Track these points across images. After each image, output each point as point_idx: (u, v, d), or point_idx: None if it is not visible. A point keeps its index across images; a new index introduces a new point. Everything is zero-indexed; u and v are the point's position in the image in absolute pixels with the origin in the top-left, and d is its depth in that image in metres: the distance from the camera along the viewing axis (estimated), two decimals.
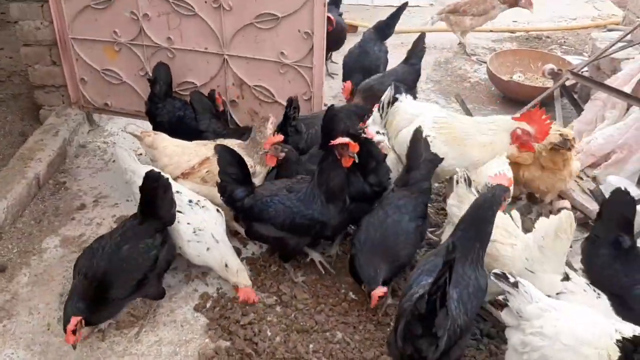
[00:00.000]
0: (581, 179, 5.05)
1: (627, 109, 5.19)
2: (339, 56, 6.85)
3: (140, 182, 3.65)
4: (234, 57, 4.86)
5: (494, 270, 2.96)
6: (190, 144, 4.37)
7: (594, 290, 3.19)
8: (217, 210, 3.96)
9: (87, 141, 5.72)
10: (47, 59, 5.39)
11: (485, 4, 7.60)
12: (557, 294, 3.15)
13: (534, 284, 3.11)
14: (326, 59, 6.65)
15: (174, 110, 4.82)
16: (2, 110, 6.06)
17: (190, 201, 3.88)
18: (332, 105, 4.36)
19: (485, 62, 7.24)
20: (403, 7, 6.45)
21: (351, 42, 6.62)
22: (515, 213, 3.72)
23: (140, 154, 4.93)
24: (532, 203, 4.77)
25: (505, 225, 3.50)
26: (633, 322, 2.86)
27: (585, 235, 4.27)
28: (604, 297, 3.17)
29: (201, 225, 3.79)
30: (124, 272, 3.45)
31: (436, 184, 4.84)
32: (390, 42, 6.43)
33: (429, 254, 3.31)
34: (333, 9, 6.83)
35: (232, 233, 4.34)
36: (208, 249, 3.76)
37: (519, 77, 7.01)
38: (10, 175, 4.71)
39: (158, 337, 3.65)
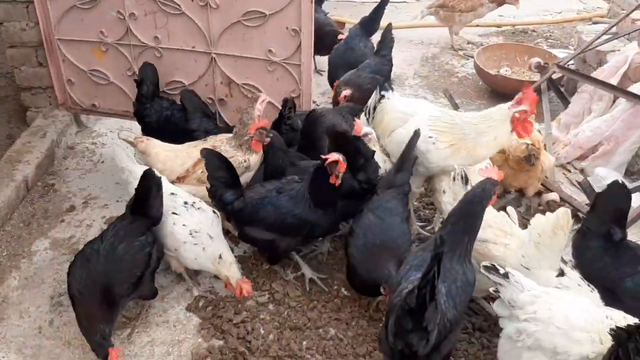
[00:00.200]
0: (569, 171, 5.10)
1: (614, 101, 5.24)
2: None
3: (136, 183, 3.65)
4: (221, 56, 4.84)
5: (483, 263, 2.99)
6: (181, 147, 4.34)
7: (588, 285, 3.21)
8: (214, 212, 3.92)
9: (76, 142, 5.68)
10: (33, 61, 5.35)
11: (474, 0, 7.58)
12: None
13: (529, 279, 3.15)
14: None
15: (162, 110, 4.78)
16: None
17: (185, 203, 3.84)
18: (314, 110, 4.39)
19: (472, 57, 7.27)
20: (385, 0, 6.45)
21: None
22: (511, 209, 3.74)
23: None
24: (521, 196, 4.80)
25: (500, 225, 3.52)
26: None
27: (575, 227, 4.33)
28: (597, 291, 3.20)
29: (197, 227, 3.75)
30: (124, 271, 3.45)
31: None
32: (376, 38, 6.42)
33: (417, 249, 3.32)
34: (318, 9, 6.83)
35: (224, 232, 4.33)
36: (204, 248, 3.71)
37: (506, 71, 7.04)
38: None
39: (151, 338, 3.64)
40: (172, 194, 3.84)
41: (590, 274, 3.30)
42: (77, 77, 5.28)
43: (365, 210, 3.75)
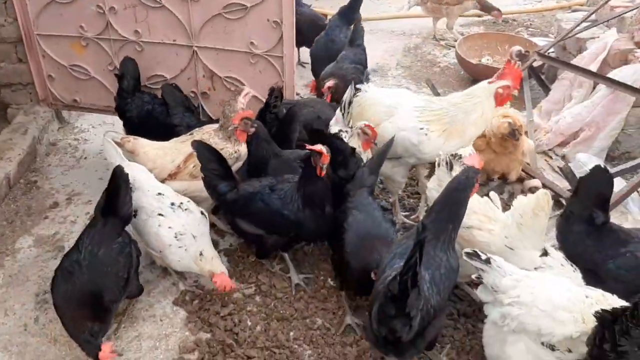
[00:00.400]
0: (551, 157, 5.15)
1: (594, 87, 5.30)
2: None
3: None
4: (203, 49, 4.82)
5: (465, 250, 3.02)
6: (169, 143, 4.30)
7: (571, 265, 3.26)
8: (202, 213, 3.86)
9: (58, 139, 5.65)
10: (12, 57, 5.30)
11: None
12: (536, 269, 3.21)
13: (514, 260, 3.19)
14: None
15: (143, 104, 4.74)
16: None
17: (172, 204, 3.76)
18: (293, 107, 4.41)
19: (454, 47, 7.30)
20: None
21: None
22: (494, 194, 3.77)
23: None
24: (504, 183, 4.85)
25: (484, 211, 3.56)
26: None
27: (557, 213, 4.38)
28: (579, 272, 3.25)
29: (183, 229, 3.69)
30: (110, 276, 3.37)
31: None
32: None
33: (402, 237, 3.34)
34: (301, 2, 6.84)
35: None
36: (186, 249, 3.67)
37: (488, 60, 7.09)
38: None
39: (138, 332, 3.64)
40: (160, 194, 3.78)
41: (573, 257, 3.35)
42: (58, 73, 5.23)
43: (346, 212, 3.70)
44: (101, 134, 5.69)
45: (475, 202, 3.57)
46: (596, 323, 2.64)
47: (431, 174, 4.04)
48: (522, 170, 4.77)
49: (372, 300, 2.95)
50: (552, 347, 2.79)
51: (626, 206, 4.36)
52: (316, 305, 3.80)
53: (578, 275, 3.19)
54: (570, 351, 2.77)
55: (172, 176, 4.17)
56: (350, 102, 4.27)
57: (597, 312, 2.65)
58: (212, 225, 4.36)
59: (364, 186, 3.81)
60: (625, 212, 4.31)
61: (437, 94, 5.82)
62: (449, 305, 3.67)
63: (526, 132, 4.72)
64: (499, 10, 7.69)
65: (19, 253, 4.24)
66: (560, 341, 2.76)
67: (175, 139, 4.36)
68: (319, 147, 3.50)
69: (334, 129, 4.33)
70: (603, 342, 2.58)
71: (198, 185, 3.99)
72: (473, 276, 3.07)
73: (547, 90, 5.87)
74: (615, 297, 2.85)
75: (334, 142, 3.85)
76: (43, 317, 3.71)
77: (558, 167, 4.93)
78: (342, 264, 3.60)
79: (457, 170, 3.66)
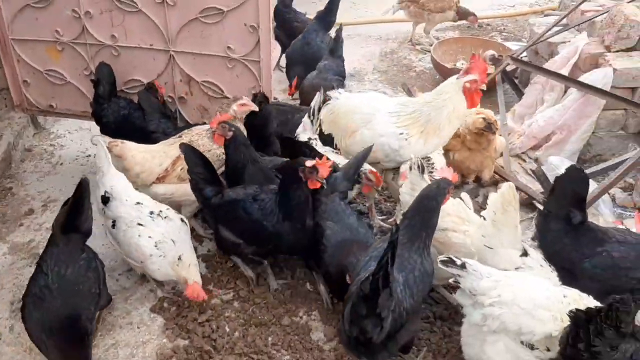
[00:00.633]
0: (524, 160, 5.23)
1: (565, 91, 5.38)
2: None
3: (104, 186, 3.65)
4: (180, 53, 4.82)
5: (439, 257, 3.03)
6: (157, 146, 4.29)
7: (549, 266, 3.32)
8: (182, 220, 3.82)
9: (33, 145, 5.60)
10: None
11: (444, 2, 7.62)
12: (516, 269, 3.26)
13: (494, 260, 3.25)
14: None
15: (119, 109, 4.74)
16: None
17: (151, 212, 3.72)
18: (267, 105, 4.39)
19: (429, 51, 7.37)
20: None
21: None
22: (465, 195, 3.81)
23: None
24: (479, 186, 4.92)
25: (458, 212, 3.61)
26: None
27: (530, 215, 4.46)
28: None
29: (162, 237, 3.65)
30: (82, 293, 3.28)
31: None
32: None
33: (378, 240, 3.38)
34: (295, 10, 6.93)
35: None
36: (165, 256, 3.62)
37: (462, 64, 7.15)
38: None
39: (114, 340, 3.63)
40: (138, 203, 3.74)
41: (551, 255, 3.41)
42: (33, 78, 5.20)
43: (324, 220, 3.69)
44: (77, 139, 5.68)
45: (449, 204, 3.62)
46: (569, 322, 2.70)
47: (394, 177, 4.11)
48: (496, 172, 4.85)
49: (346, 300, 2.98)
50: (531, 346, 2.83)
51: (597, 208, 4.45)
52: (294, 311, 3.81)
53: (555, 275, 3.25)
54: (549, 350, 2.82)
55: (160, 179, 4.16)
56: (319, 108, 4.29)
57: (571, 311, 2.70)
58: (192, 230, 4.36)
59: (335, 191, 3.82)
60: (597, 214, 4.39)
61: None
62: (425, 308, 3.71)
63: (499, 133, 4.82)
64: (474, 15, 7.81)
65: None
66: (539, 340, 2.81)
67: (164, 141, 4.34)
68: (310, 162, 3.47)
69: (302, 136, 4.34)
70: (577, 342, 2.64)
71: (186, 189, 3.98)
72: (450, 280, 3.10)
73: (520, 94, 5.96)
74: (590, 297, 2.91)
75: (304, 150, 3.86)
76: (18, 325, 3.65)
77: (531, 169, 5.01)
78: (322, 270, 3.63)
79: (429, 175, 3.74)
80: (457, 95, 3.95)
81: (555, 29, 6.01)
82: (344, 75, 5.84)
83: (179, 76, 4.95)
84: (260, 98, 4.48)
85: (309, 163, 3.47)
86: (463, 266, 2.97)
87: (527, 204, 4.60)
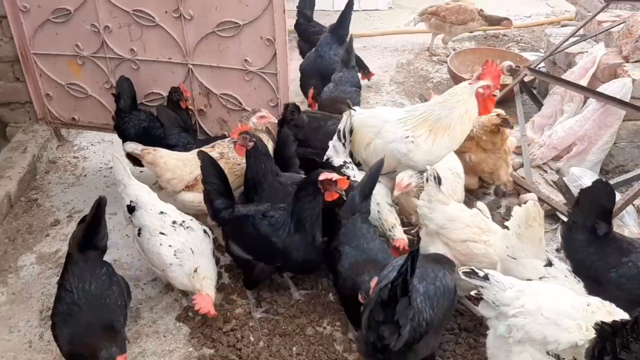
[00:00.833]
0: (545, 171, 5.22)
1: (585, 102, 5.38)
2: None
3: (128, 199, 3.69)
4: (198, 66, 4.88)
5: (461, 269, 2.99)
6: (189, 154, 4.34)
7: (575, 277, 3.30)
8: (205, 232, 3.85)
9: (57, 157, 5.67)
10: (10, 76, 5.35)
11: (465, 14, 7.64)
12: (540, 278, 3.24)
13: (518, 269, 3.23)
14: None
15: (140, 122, 4.81)
16: None
17: (174, 222, 3.76)
18: (284, 129, 4.41)
19: (446, 62, 7.40)
20: (349, 5, 6.48)
21: None
22: (481, 204, 3.81)
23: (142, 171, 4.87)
24: (500, 198, 4.92)
25: (477, 223, 3.61)
26: None
27: (554, 226, 4.45)
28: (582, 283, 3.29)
29: (182, 246, 3.69)
30: (110, 306, 3.29)
31: None
32: None
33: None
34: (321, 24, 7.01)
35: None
36: (182, 265, 3.65)
37: None
38: None
39: (141, 349, 3.66)
40: (162, 212, 3.78)
41: (576, 264, 3.42)
42: (55, 91, 5.28)
43: (342, 245, 3.62)
44: (100, 151, 5.75)
45: (467, 214, 3.64)
46: (595, 335, 2.70)
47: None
48: (518, 184, 4.85)
49: (365, 308, 2.99)
50: (557, 357, 2.81)
51: (622, 219, 4.42)
52: (318, 321, 3.83)
53: (581, 286, 3.23)
54: None
55: (189, 187, 4.22)
56: (351, 131, 4.23)
57: (596, 324, 2.68)
58: (214, 240, 4.38)
59: (357, 212, 3.75)
60: (622, 225, 4.36)
61: None
62: (450, 320, 3.70)
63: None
64: (507, 19, 7.76)
65: (21, 270, 4.25)
66: (565, 350, 2.78)
67: (195, 150, 4.36)
68: (327, 174, 3.47)
69: (336, 161, 4.25)
70: (603, 355, 2.63)
71: None
72: (472, 292, 3.09)
73: (539, 104, 5.96)
74: (613, 305, 2.89)
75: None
76: (47, 333, 3.69)
77: (552, 181, 5.00)
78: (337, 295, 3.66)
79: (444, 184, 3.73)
80: (470, 99, 3.90)
81: (573, 39, 6.01)
82: (359, 86, 5.86)
83: (197, 89, 5.00)
84: (291, 108, 4.49)
85: (328, 175, 3.48)
86: (486, 277, 2.94)
87: (550, 215, 4.58)
